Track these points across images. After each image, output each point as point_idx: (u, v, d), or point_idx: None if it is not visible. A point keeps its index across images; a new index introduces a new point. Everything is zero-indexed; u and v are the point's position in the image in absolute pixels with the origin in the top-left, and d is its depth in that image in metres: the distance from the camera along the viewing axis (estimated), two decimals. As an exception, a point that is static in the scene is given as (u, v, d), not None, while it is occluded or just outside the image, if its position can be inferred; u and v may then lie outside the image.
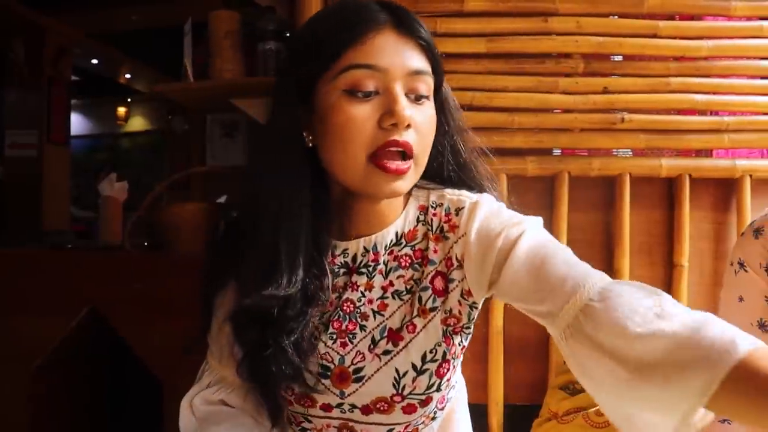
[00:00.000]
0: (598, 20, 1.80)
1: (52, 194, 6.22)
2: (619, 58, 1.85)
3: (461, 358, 1.03)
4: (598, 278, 0.84)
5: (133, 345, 2.14)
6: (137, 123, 8.69)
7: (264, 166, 0.98)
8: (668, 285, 1.80)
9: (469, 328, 0.99)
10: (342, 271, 1.02)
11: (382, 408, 0.99)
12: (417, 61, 0.92)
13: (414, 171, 0.93)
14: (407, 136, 0.90)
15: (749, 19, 1.82)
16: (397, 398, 0.98)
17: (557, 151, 1.88)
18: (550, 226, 1.78)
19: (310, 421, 1.03)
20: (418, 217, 1.02)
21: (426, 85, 0.93)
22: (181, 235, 2.14)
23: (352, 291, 1.01)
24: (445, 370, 0.98)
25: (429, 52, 0.94)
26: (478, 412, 1.80)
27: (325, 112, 0.92)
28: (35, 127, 6.11)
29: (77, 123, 8.21)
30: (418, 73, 0.91)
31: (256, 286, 0.92)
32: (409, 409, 0.99)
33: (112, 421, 2.74)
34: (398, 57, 0.90)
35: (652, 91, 1.81)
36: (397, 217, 1.02)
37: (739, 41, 1.82)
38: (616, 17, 1.83)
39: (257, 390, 1.01)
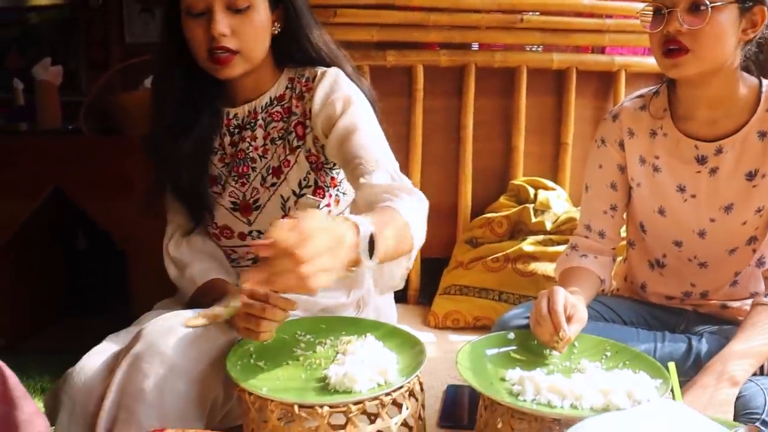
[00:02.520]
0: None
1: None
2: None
3: (341, 192, 1.44)
4: (378, 168, 1.22)
5: (97, 219, 2.40)
6: (43, -5, 8.25)
7: (159, 59, 1.42)
8: (555, 159, 2.17)
9: (329, 165, 1.40)
10: (236, 130, 1.43)
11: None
12: None
13: (241, 59, 1.31)
14: (225, 42, 1.28)
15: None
16: (287, 218, 1.36)
17: (475, 46, 2.17)
18: (459, 110, 2.11)
19: (235, 252, 1.47)
20: (287, 85, 1.41)
21: None
22: (131, 120, 2.36)
23: (242, 142, 1.41)
24: (321, 195, 1.40)
25: None
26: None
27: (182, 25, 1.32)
28: (-62, 3, 5.81)
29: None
30: None
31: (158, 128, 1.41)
32: None
33: (80, 287, 3.01)
34: None
35: (547, -6, 2.11)
36: (272, 86, 1.41)
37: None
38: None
39: (189, 209, 1.44)
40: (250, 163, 1.41)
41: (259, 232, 1.41)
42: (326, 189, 1.40)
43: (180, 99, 1.38)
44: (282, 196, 1.39)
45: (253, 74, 1.37)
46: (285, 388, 1.08)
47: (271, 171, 1.40)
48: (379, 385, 1.07)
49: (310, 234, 0.88)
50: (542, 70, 2.14)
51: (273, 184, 1.40)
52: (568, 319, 1.18)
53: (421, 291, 2.16)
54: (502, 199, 2.07)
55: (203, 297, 1.32)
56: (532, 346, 1.21)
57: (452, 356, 1.70)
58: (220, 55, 1.29)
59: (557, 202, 2.00)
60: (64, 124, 3.06)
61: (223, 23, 1.26)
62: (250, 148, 1.41)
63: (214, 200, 1.42)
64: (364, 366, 1.09)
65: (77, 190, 2.38)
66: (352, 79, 1.40)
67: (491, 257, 1.92)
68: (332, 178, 1.41)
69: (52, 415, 1.22)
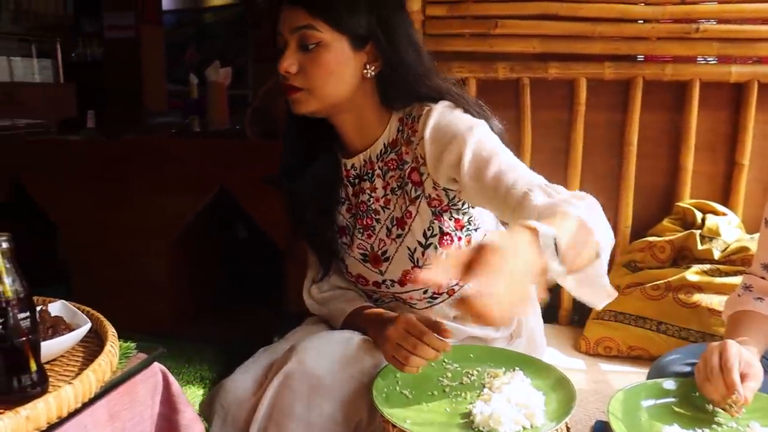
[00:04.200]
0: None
1: (150, 74, 6.56)
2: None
3: (472, 229, 1.34)
4: (535, 185, 1.09)
5: (256, 219, 2.51)
6: (217, -3, 8.84)
7: None
8: (728, 181, 2.00)
9: (456, 206, 1.30)
10: (355, 181, 1.37)
11: (410, 278, 1.35)
12: (300, 20, 1.22)
13: (310, 96, 1.25)
14: (292, 79, 1.24)
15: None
16: (417, 269, 1.33)
17: (641, 57, 2.05)
18: (623, 125, 2.00)
19: (376, 293, 1.44)
20: (398, 128, 1.32)
21: (312, 37, 1.22)
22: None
23: (362, 194, 1.36)
24: (449, 242, 1.32)
25: (314, 10, 1.22)
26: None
27: None
28: (131, 8, 6.37)
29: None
30: (299, 29, 1.22)
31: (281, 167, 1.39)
32: None
33: (238, 278, 3.18)
34: (287, 22, 1.24)
35: (726, 1, 1.94)
36: (383, 131, 1.32)
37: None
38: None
39: (318, 256, 1.44)
40: (373, 215, 1.36)
41: (392, 281, 1.38)
42: (452, 233, 1.32)
43: (298, 142, 1.38)
44: (409, 248, 1.33)
45: (356, 119, 1.32)
46: (429, 421, 1.07)
47: (395, 222, 1.34)
48: (524, 428, 1.03)
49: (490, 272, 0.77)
50: (718, 84, 1.98)
51: (399, 236, 1.34)
52: (743, 378, 1.06)
53: (574, 312, 2.08)
54: (666, 222, 1.94)
55: (352, 323, 1.35)
56: (693, 399, 1.12)
57: (602, 387, 1.65)
58: (289, 89, 1.26)
59: (728, 229, 1.85)
60: (232, 123, 3.25)
61: (289, 60, 1.24)
62: (371, 199, 1.36)
63: (344, 251, 1.40)
64: (511, 406, 1.06)
65: (240, 191, 2.51)
66: (467, 110, 1.27)
67: (651, 284, 1.81)
68: (457, 220, 1.32)
69: (207, 420, 1.29)
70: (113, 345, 1.04)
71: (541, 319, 1.56)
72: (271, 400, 1.17)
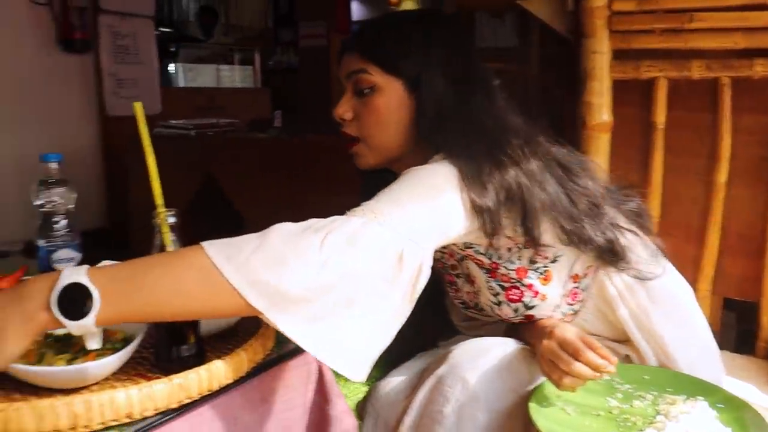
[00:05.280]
0: None
1: (339, 80, 6.86)
2: None
3: (545, 266, 1.16)
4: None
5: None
6: (408, 5, 9.07)
7: None
8: None
9: (502, 257, 1.15)
10: None
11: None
12: (353, 65, 1.16)
13: (367, 148, 1.18)
14: (346, 127, 1.19)
15: None
16: (507, 321, 1.24)
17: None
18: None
19: None
20: None
21: (365, 81, 1.14)
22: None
23: (437, 252, 1.14)
24: (516, 296, 1.18)
25: (366, 53, 1.15)
26: (747, 308, 1.86)
27: None
28: (323, 17, 6.73)
29: (355, 9, 8.79)
30: (352, 74, 1.16)
31: None
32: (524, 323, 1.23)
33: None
34: (345, 68, 1.18)
35: None
36: None
37: None
38: None
39: None
40: (450, 271, 1.28)
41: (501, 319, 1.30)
42: (517, 284, 1.17)
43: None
44: (487, 305, 1.24)
45: None
46: (591, 443, 0.97)
47: (468, 280, 1.26)
48: (705, 466, 0.90)
49: None
50: None
51: (476, 293, 1.25)
52: None
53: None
54: None
55: (513, 335, 1.27)
56: None
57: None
58: (348, 142, 1.20)
59: None
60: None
61: (344, 107, 1.18)
62: (444, 256, 1.26)
63: (451, 298, 1.36)
64: (689, 438, 0.93)
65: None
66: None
67: None
68: (518, 270, 1.16)
69: (360, 419, 1.28)
70: (267, 328, 1.05)
71: (712, 344, 1.36)
72: (422, 404, 1.13)
